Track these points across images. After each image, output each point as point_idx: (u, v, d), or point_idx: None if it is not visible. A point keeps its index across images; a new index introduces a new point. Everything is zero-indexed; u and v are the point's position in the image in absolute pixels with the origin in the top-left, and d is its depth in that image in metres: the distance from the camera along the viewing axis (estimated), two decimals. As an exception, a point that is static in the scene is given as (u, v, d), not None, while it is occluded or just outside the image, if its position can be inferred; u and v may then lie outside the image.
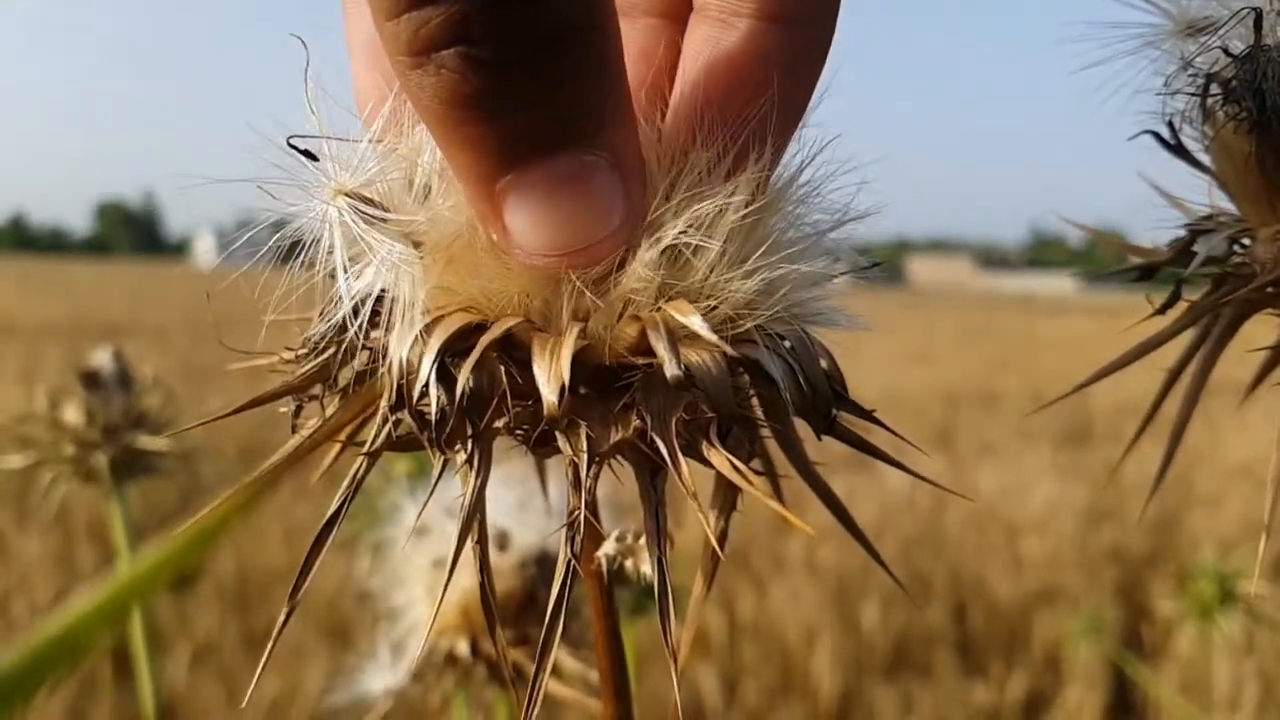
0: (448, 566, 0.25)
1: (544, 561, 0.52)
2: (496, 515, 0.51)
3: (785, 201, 0.27)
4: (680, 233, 0.25)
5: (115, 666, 2.02)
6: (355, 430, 0.27)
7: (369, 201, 0.25)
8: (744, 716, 2.13)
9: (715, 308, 0.25)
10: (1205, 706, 2.07)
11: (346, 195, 0.25)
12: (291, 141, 0.25)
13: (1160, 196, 0.34)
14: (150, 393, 0.73)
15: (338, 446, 0.27)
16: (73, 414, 0.70)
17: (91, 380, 0.70)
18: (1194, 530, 2.93)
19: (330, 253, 0.25)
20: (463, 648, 0.52)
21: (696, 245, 0.25)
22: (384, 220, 0.25)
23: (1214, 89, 0.30)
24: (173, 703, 1.81)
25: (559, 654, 0.50)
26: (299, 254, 0.26)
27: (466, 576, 0.54)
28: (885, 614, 2.41)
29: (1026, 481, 3.59)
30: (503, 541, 0.51)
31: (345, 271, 0.25)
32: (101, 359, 0.71)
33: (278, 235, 0.26)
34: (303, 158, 0.25)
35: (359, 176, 0.25)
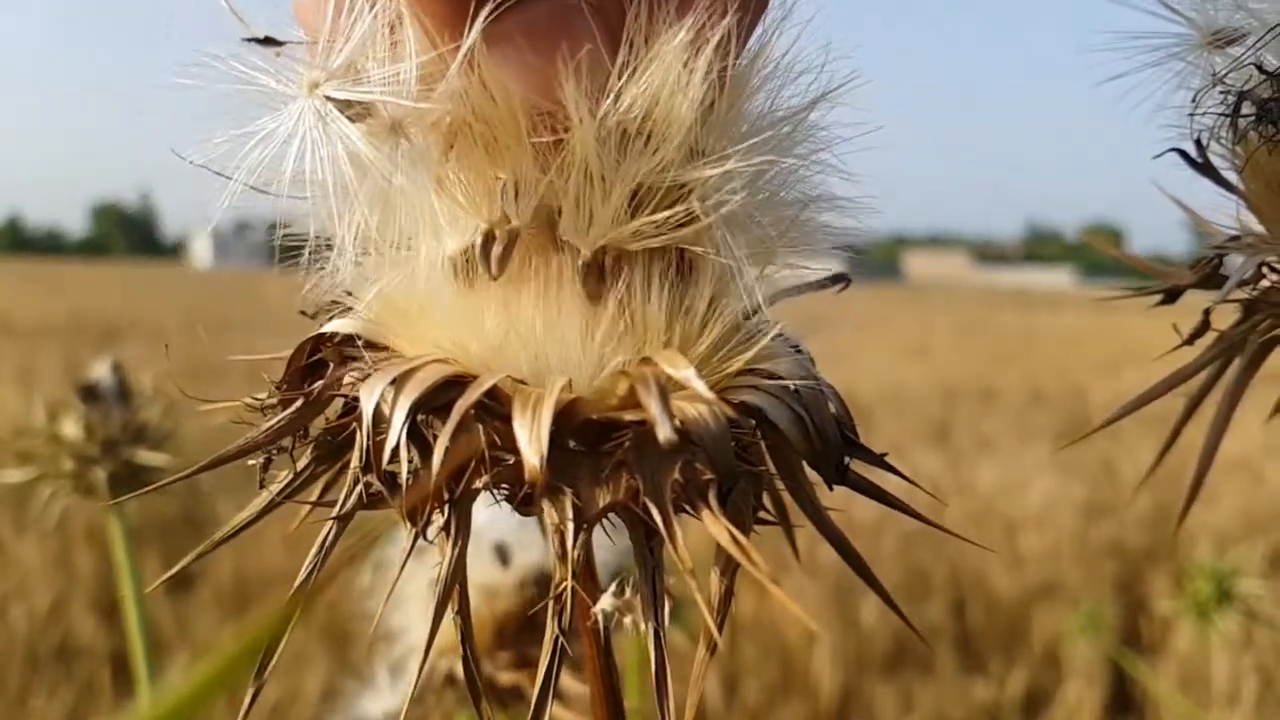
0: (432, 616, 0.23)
1: (544, 581, 0.51)
2: (497, 533, 0.51)
3: (753, 82, 0.24)
4: (637, 103, 0.22)
5: (114, 669, 2.02)
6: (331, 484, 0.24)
7: (354, 89, 0.21)
8: (744, 715, 2.13)
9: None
10: (1204, 702, 2.07)
11: (327, 88, 0.21)
12: (249, 37, 0.21)
13: (1185, 213, 0.33)
14: (149, 405, 0.72)
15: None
16: (71, 428, 0.69)
17: (90, 393, 0.70)
18: (1192, 525, 2.93)
19: (310, 180, 0.22)
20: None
21: (656, 122, 0.22)
22: (372, 113, 0.21)
23: (1246, 108, 0.28)
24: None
25: (562, 677, 0.50)
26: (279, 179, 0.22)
27: (470, 595, 0.54)
28: (885, 612, 2.39)
29: (1025, 477, 3.59)
30: (504, 558, 0.51)
31: (336, 217, 0.22)
32: (100, 372, 0.71)
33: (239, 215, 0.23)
34: (264, 47, 0.21)
35: (338, 62, 0.21)
